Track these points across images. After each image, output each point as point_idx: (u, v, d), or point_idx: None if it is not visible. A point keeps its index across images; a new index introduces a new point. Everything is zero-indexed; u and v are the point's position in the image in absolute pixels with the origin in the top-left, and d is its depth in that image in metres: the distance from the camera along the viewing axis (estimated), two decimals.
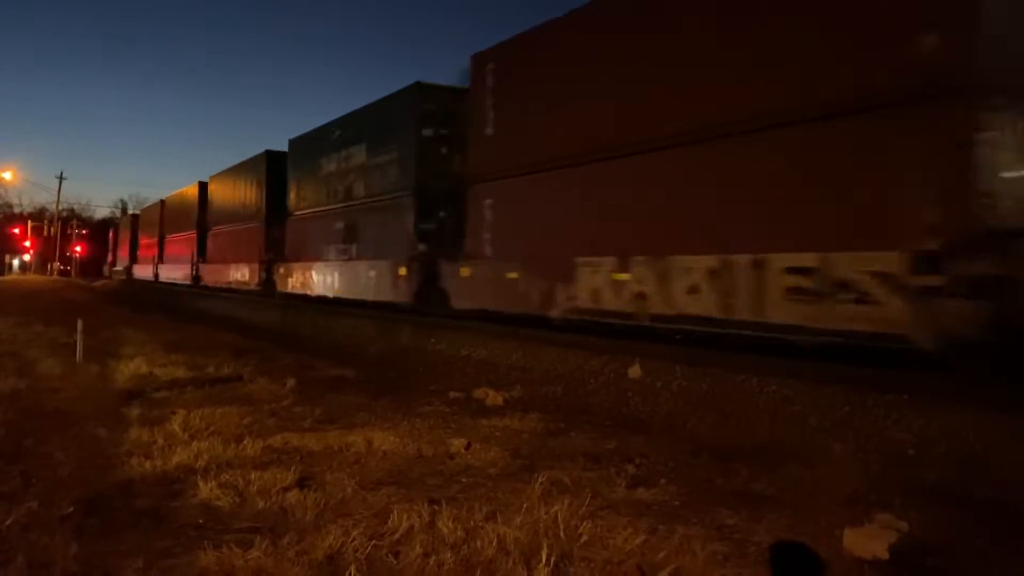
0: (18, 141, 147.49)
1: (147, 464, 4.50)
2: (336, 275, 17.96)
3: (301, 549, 3.21)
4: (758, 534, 3.58)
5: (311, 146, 20.59)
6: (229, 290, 26.58)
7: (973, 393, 5.55)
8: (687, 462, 5.00)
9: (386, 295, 15.16)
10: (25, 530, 3.42)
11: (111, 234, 63.99)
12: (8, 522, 3.47)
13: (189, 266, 32.83)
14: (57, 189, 75.47)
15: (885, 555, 3.31)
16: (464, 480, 4.40)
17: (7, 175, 58.15)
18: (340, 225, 17.89)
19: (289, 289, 20.92)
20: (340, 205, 18.03)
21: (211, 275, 29.80)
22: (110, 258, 62.59)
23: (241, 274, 25.69)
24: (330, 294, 18.15)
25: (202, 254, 31.62)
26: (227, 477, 4.17)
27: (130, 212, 66.69)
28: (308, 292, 19.60)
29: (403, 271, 14.37)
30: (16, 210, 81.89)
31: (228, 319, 17.97)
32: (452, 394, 7.44)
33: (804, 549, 3.45)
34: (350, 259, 17.26)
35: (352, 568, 3.02)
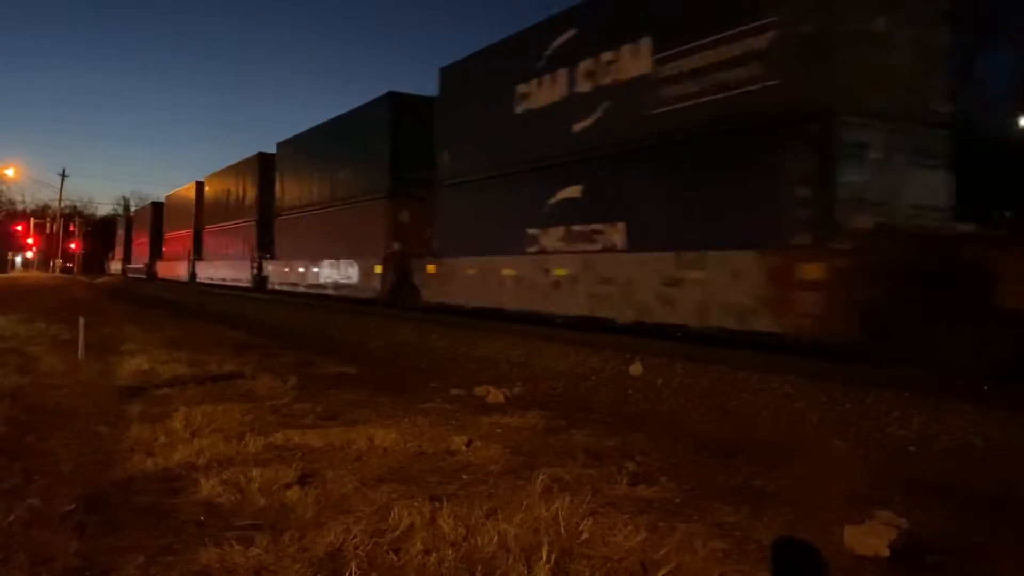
0: (21, 138, 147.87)
1: (148, 461, 4.51)
2: (585, 278, 10.59)
3: (302, 546, 3.21)
4: (759, 531, 3.58)
5: (489, 72, 13.59)
6: (322, 296, 20.15)
7: (974, 390, 5.55)
8: (688, 459, 4.99)
9: (781, 320, 7.78)
10: (27, 527, 3.42)
11: (121, 229, 60.13)
12: (10, 519, 3.48)
13: (247, 264, 26.61)
14: (59, 186, 75.37)
15: (886, 552, 3.30)
16: (465, 477, 4.40)
17: (10, 172, 58.09)
18: (572, 191, 11.04)
19: (450, 298, 14.13)
20: (571, 156, 11.13)
21: (285, 275, 23.28)
22: (120, 254, 58.28)
23: (346, 275, 18.88)
24: (572, 311, 10.92)
25: (265, 248, 25.28)
26: (228, 474, 4.18)
27: (133, 207, 65.96)
28: (500, 305, 12.59)
29: (816, 272, 7.43)
30: (19, 207, 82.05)
31: (229, 316, 17.97)
32: (453, 391, 7.44)
33: (805, 546, 3.44)
34: (608, 250, 10.29)
35: (353, 565, 3.02)
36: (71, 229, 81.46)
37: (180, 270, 35.31)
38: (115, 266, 60.88)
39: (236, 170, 29.60)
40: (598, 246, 10.52)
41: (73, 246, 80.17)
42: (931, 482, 4.48)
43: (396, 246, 16.31)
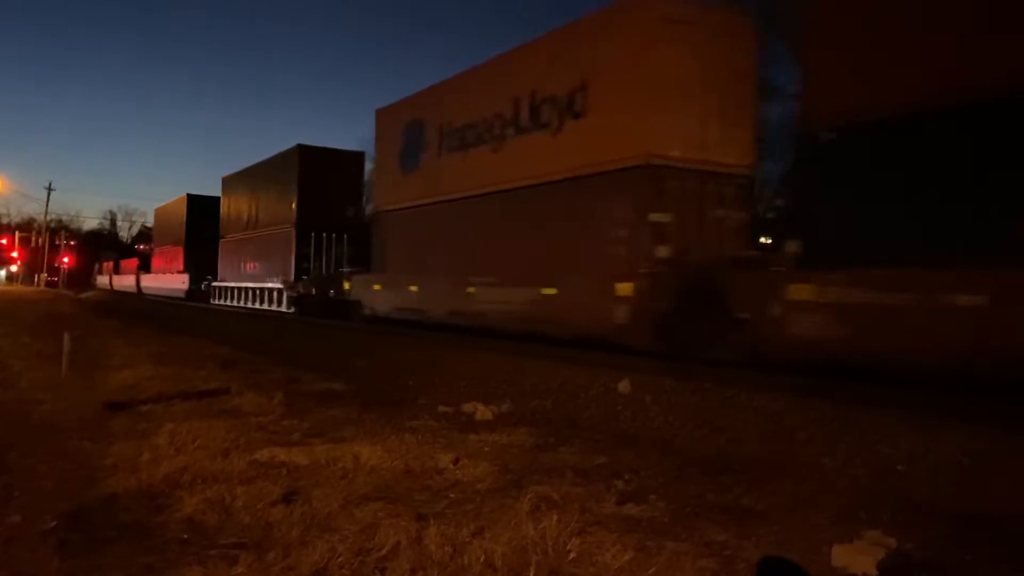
0: (6, 152, 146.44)
1: (132, 478, 4.45)
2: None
3: (287, 565, 3.18)
4: (747, 550, 3.57)
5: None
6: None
7: (962, 408, 5.58)
8: (677, 477, 4.98)
9: None
10: (7, 544, 3.37)
11: (166, 222, 40.61)
12: None
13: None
14: (45, 200, 74.91)
15: (874, 572, 3.30)
16: (452, 495, 4.37)
17: None
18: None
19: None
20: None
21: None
22: (165, 264, 39.13)
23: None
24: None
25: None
26: (213, 491, 4.13)
27: (120, 221, 63.90)
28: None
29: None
30: (4, 221, 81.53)
31: (216, 332, 17.85)
32: (441, 408, 7.40)
33: (793, 566, 3.44)
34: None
35: None
36: (57, 243, 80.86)
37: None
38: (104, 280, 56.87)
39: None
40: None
41: (67, 260, 79.35)
42: (919, 501, 4.49)
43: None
